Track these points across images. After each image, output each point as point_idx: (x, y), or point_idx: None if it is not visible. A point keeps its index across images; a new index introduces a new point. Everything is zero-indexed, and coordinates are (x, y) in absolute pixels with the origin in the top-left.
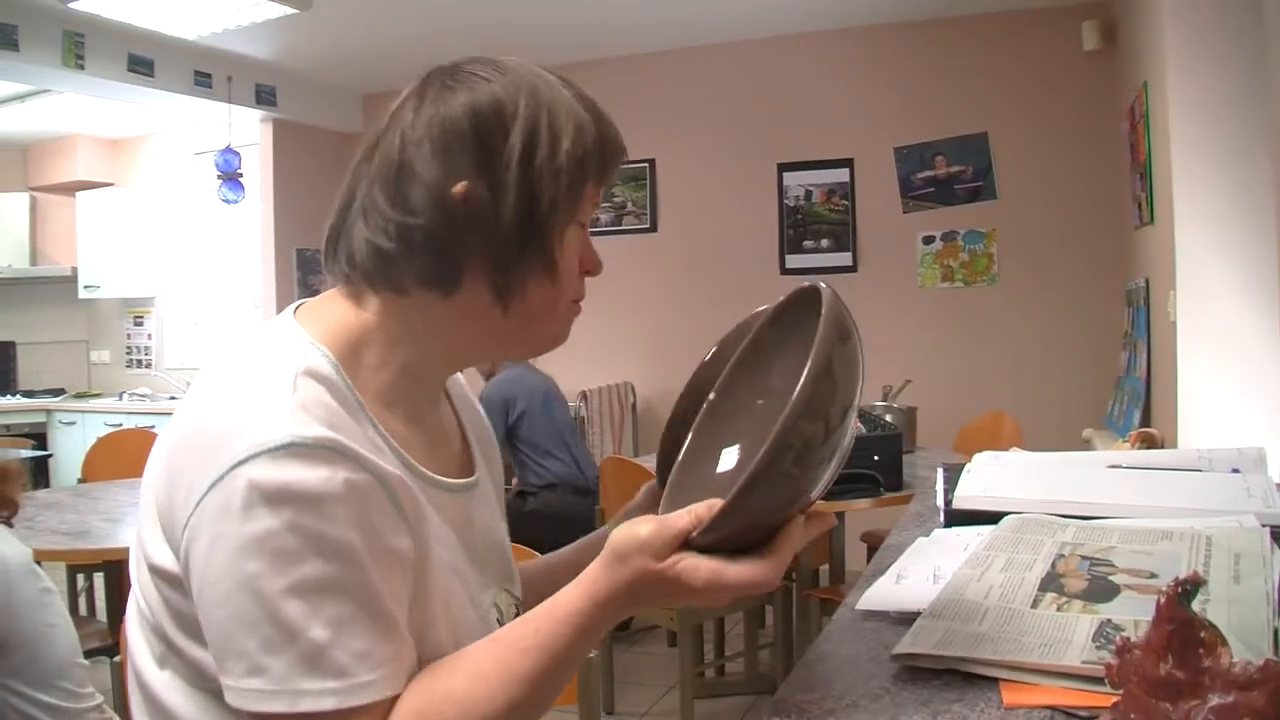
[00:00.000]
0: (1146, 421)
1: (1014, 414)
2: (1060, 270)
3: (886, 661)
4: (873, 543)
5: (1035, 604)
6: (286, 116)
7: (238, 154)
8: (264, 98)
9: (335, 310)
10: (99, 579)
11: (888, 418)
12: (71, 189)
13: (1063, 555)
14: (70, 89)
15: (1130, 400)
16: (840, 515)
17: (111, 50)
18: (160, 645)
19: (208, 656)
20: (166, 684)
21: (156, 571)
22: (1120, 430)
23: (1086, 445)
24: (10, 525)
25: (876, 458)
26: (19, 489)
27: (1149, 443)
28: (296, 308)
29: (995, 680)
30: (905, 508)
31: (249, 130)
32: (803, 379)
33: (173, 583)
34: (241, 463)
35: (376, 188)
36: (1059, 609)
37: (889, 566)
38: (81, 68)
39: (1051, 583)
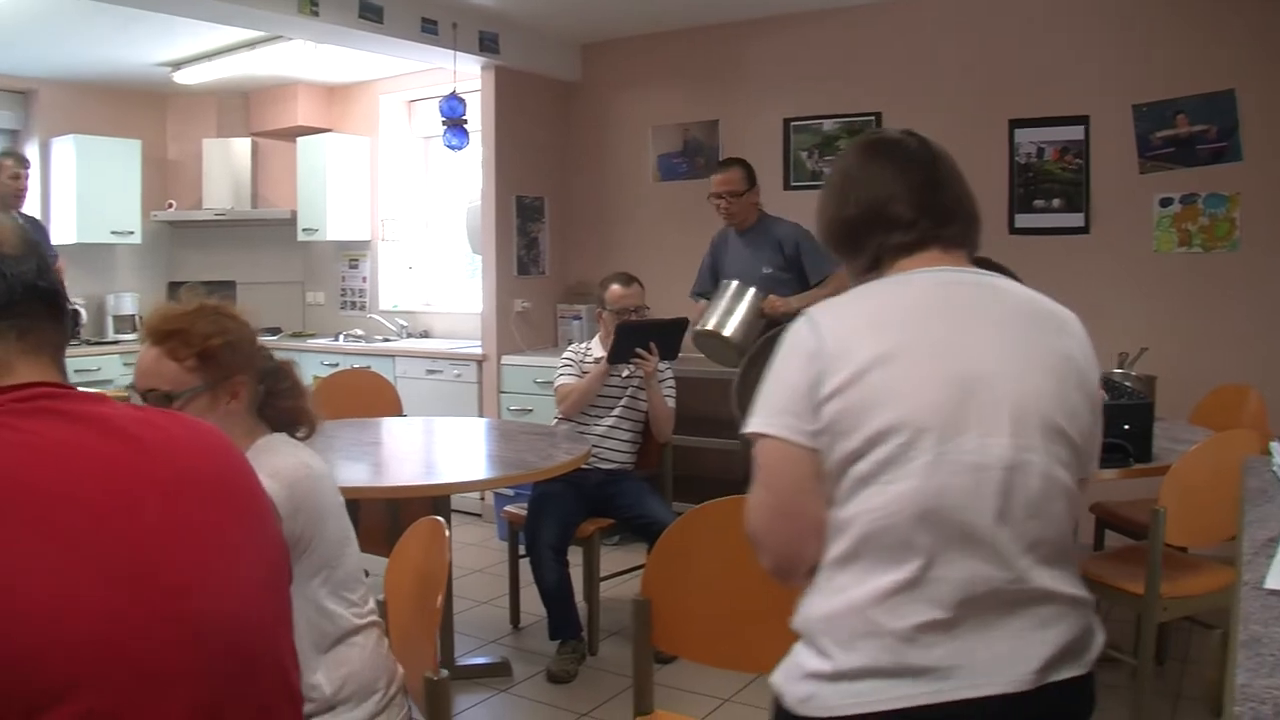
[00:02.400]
0: None
1: (1254, 387)
2: None
3: None
4: (1101, 514)
5: None
6: (508, 64)
7: (462, 101)
8: (487, 45)
9: None
10: None
11: (1126, 384)
12: (291, 134)
13: None
14: (303, 36)
15: None
16: None
17: None
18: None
19: None
20: None
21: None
22: None
23: None
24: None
25: (1127, 426)
26: (313, 407)
27: None
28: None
29: None
30: (1154, 480)
31: (470, 78)
32: None
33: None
34: None
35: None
36: None
37: (1276, 543)
38: (315, 14)
39: None
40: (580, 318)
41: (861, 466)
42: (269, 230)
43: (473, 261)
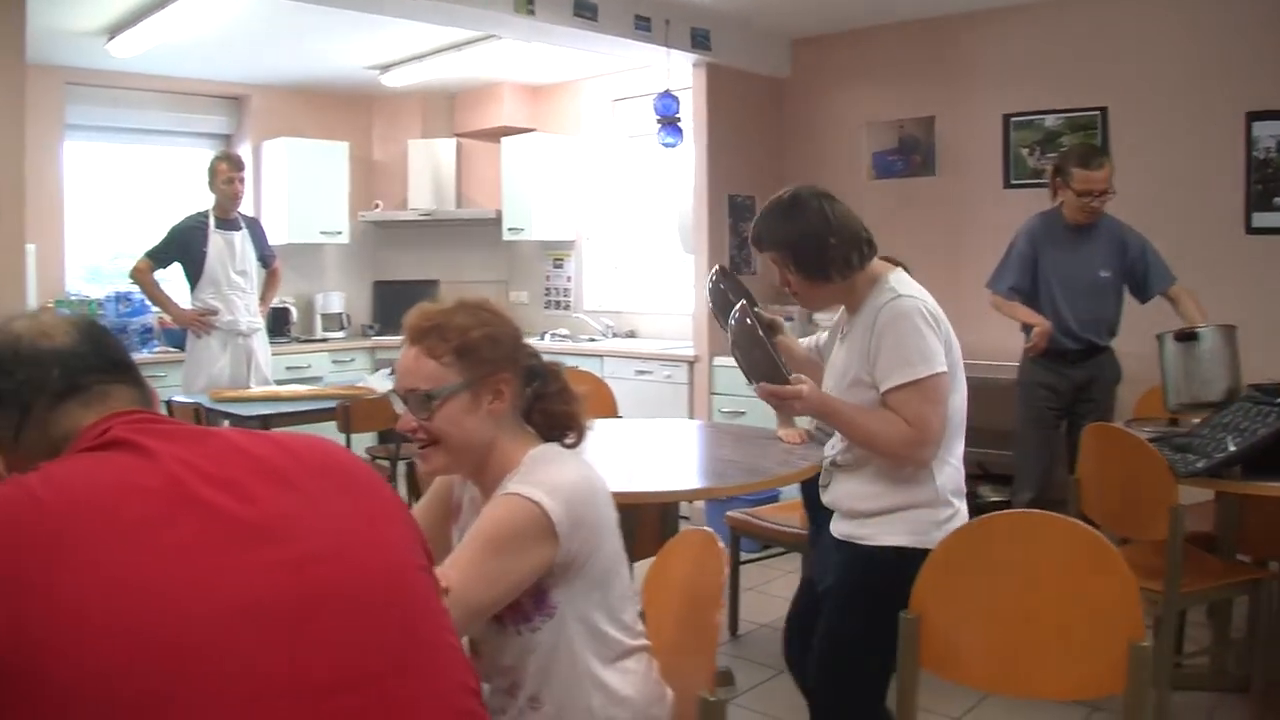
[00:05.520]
0: None
1: None
2: None
3: None
4: None
5: None
6: (719, 60)
7: (676, 98)
8: (699, 41)
9: None
10: None
11: None
12: (495, 135)
13: None
14: (517, 35)
15: None
16: None
17: None
18: None
19: None
20: None
21: None
22: None
23: None
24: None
25: None
26: (585, 413)
27: None
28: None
29: None
30: None
31: (680, 75)
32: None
33: None
34: None
35: None
36: None
37: None
38: (531, 13)
39: None
40: (792, 318)
41: (956, 384)
42: (473, 230)
43: (682, 261)
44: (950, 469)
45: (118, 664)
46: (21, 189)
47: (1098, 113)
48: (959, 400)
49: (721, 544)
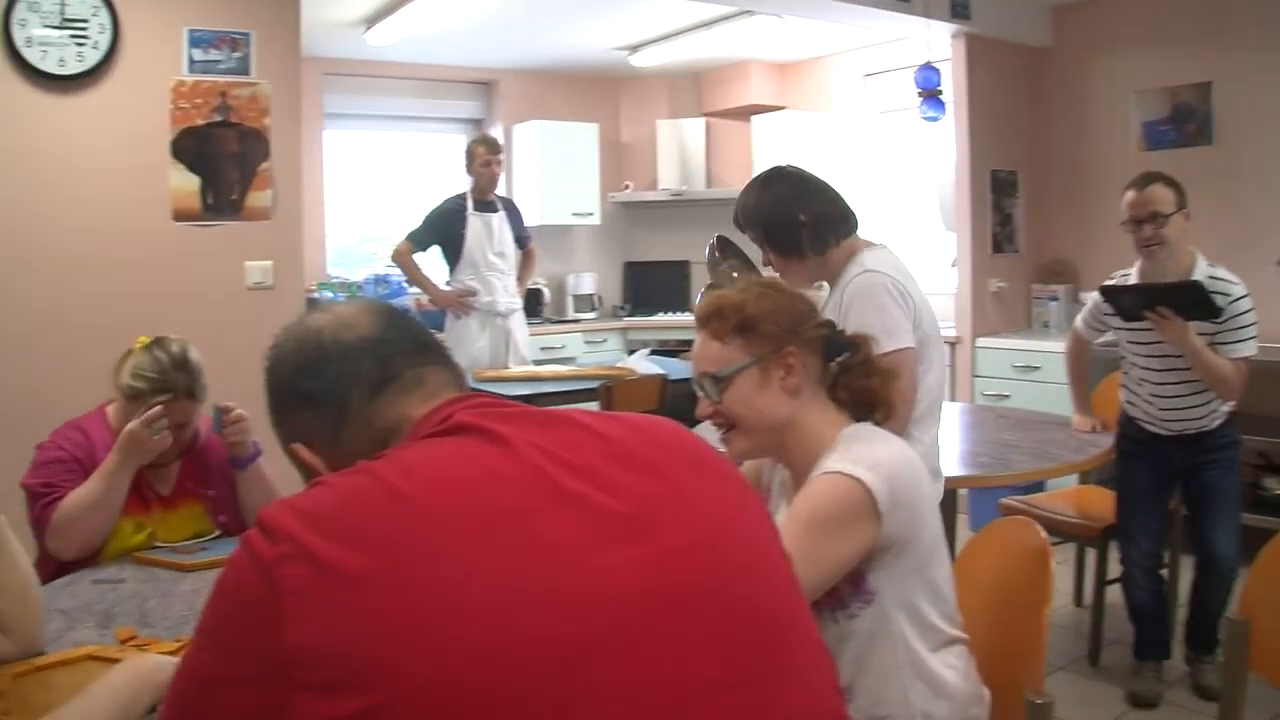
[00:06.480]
0: None
1: None
2: None
3: None
4: None
5: None
6: (978, 30)
7: (937, 71)
8: (958, 11)
9: None
10: None
11: None
12: (744, 113)
13: None
14: (774, 10)
15: None
16: None
17: None
18: None
19: None
20: None
21: None
22: None
23: None
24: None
25: None
26: (896, 391)
27: None
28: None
29: None
30: None
31: (939, 47)
32: None
33: None
34: None
35: None
36: None
37: None
38: None
39: None
40: (1057, 298)
41: (929, 364)
42: (723, 209)
43: (943, 238)
44: (923, 449)
45: (481, 669)
46: (299, 179)
47: None
48: (933, 380)
49: (1043, 533)
